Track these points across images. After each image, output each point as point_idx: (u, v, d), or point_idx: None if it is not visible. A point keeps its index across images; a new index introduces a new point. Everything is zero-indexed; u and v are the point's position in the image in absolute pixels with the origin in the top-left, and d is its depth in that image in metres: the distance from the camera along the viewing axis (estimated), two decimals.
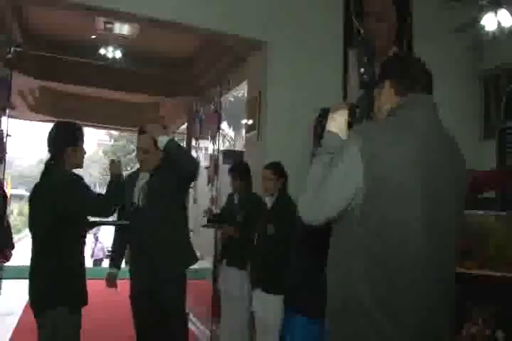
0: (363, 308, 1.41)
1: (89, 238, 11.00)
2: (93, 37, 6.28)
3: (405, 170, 1.43)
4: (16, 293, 5.92)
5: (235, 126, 7.90)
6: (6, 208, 3.68)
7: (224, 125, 6.50)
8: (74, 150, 2.43)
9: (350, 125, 1.63)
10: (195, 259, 2.95)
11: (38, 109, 8.54)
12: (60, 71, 6.92)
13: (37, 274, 2.35)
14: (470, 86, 5.21)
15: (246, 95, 5.16)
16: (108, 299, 4.33)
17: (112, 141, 24.43)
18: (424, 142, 1.49)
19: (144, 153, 2.82)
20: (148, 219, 2.74)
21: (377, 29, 4.87)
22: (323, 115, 1.68)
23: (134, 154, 19.92)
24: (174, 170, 2.66)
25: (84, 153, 2.54)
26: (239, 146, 6.81)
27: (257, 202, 3.77)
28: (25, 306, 5.83)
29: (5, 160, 3.99)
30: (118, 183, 2.55)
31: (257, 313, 3.38)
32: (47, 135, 2.46)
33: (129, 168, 19.66)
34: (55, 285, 2.30)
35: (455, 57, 5.05)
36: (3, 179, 4.01)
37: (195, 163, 2.71)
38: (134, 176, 2.95)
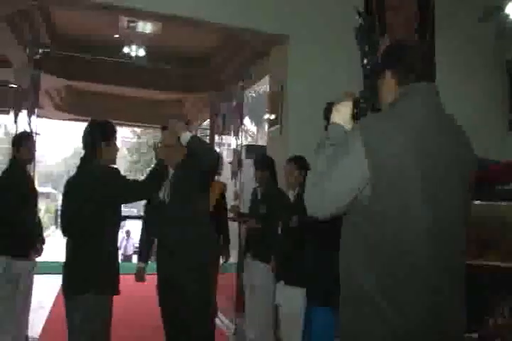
0: (369, 297, 1.43)
1: (121, 233, 11.16)
2: (116, 36, 6.40)
3: (404, 159, 1.43)
4: (46, 287, 6.12)
5: (257, 121, 7.95)
6: (37, 205, 3.82)
7: (246, 120, 6.57)
8: (107, 145, 2.54)
9: (355, 117, 1.62)
10: (225, 254, 2.99)
11: (63, 108, 8.75)
12: (85, 70, 7.08)
13: (74, 259, 2.46)
14: (496, 77, 5.13)
15: (267, 90, 5.18)
16: (137, 293, 4.44)
17: (136, 138, 24.72)
18: (422, 131, 1.48)
19: (167, 149, 2.90)
20: (173, 213, 2.82)
21: (396, 19, 4.84)
22: (329, 108, 1.68)
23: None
24: (196, 164, 2.72)
25: (117, 149, 2.64)
26: (261, 141, 6.86)
27: (280, 195, 3.79)
28: (56, 299, 6.03)
29: (34, 158, 4.12)
30: (160, 168, 2.69)
31: (281, 305, 3.42)
32: (81, 133, 2.58)
33: (152, 165, 19.82)
34: (92, 270, 2.40)
35: (480, 47, 4.97)
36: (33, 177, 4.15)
37: (215, 156, 2.75)
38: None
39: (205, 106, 8.02)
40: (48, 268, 6.62)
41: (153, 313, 3.19)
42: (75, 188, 2.51)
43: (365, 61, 3.79)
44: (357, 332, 1.47)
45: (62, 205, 2.59)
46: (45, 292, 6.07)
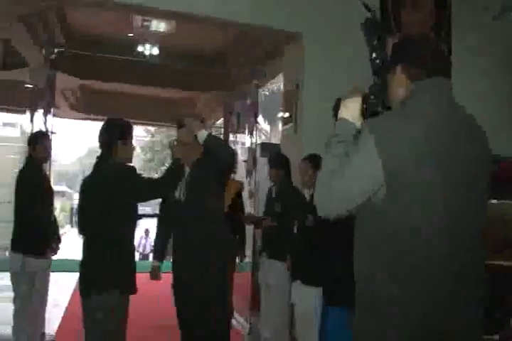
0: (383, 298, 1.41)
1: (139, 232, 11.20)
2: (130, 35, 6.43)
3: (418, 158, 1.39)
4: (62, 285, 6.18)
5: (270, 119, 7.93)
6: (53, 203, 3.85)
7: (259, 119, 6.54)
8: (123, 143, 2.55)
9: (364, 113, 1.56)
10: (238, 252, 3.00)
11: (78, 107, 8.84)
12: (99, 70, 7.12)
13: (91, 258, 2.46)
14: (510, 76, 5.04)
15: (281, 88, 5.16)
16: (152, 292, 4.45)
17: (150, 136, 24.85)
18: (434, 129, 1.43)
19: (184, 147, 2.88)
20: (189, 212, 2.81)
21: (412, 17, 4.78)
22: (338, 104, 1.62)
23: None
24: (212, 162, 2.71)
25: (134, 148, 2.65)
26: (274, 140, 6.84)
27: (295, 193, 3.77)
28: (71, 297, 6.08)
29: (50, 157, 4.15)
30: (176, 166, 2.67)
31: (297, 305, 3.40)
32: (97, 132, 2.59)
33: (166, 164, 19.93)
34: (110, 269, 2.41)
35: (495, 46, 4.90)
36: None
37: (231, 154, 2.75)
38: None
39: (218, 105, 8.02)
40: (64, 266, 6.68)
41: (167, 312, 3.20)
42: (91, 187, 2.52)
43: (374, 55, 3.71)
44: (368, 333, 1.46)
45: (79, 204, 2.60)
46: (61, 290, 6.12)
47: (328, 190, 1.44)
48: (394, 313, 1.40)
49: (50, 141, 3.87)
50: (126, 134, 2.58)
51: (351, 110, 1.57)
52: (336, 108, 1.64)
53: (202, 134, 2.67)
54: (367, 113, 1.57)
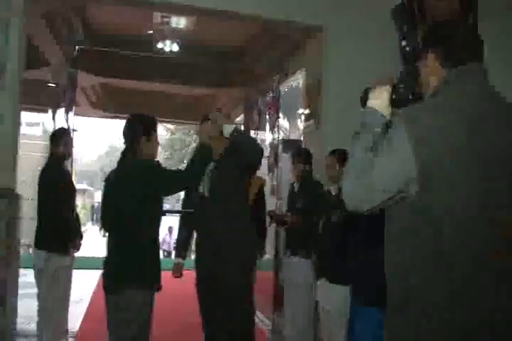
0: (417, 298, 1.36)
1: (163, 229, 11.28)
2: (150, 32, 6.43)
3: (452, 149, 1.33)
4: (83, 282, 6.22)
5: (289, 116, 7.90)
6: (75, 201, 3.86)
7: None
8: (147, 140, 2.51)
9: (394, 103, 1.50)
10: (259, 248, 2.97)
11: (99, 105, 8.87)
12: (120, 67, 7.13)
13: (117, 254, 2.44)
14: None
15: (301, 84, 5.13)
16: (175, 291, 4.45)
17: (169, 134, 24.97)
18: (469, 118, 1.36)
19: (209, 140, 2.78)
20: (212, 208, 2.77)
21: (436, 6, 4.67)
22: (366, 94, 1.55)
23: (191, 147, 20.32)
24: (238, 158, 2.67)
25: (158, 144, 2.62)
26: (293, 136, 6.81)
27: (318, 188, 3.75)
28: (93, 295, 6.13)
29: (72, 154, 4.17)
30: (203, 152, 2.56)
31: (322, 304, 3.35)
32: (122, 127, 2.56)
33: (185, 161, 20.00)
34: (136, 265, 2.38)
35: None
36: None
37: (259, 150, 2.70)
38: None
39: (238, 101, 7.99)
40: (84, 263, 6.73)
41: (189, 311, 3.17)
42: (115, 183, 2.49)
43: (404, 43, 3.56)
44: (401, 334, 1.41)
45: (103, 200, 2.58)
46: (83, 287, 6.17)
47: (358, 182, 1.37)
48: (428, 313, 1.35)
49: (71, 138, 3.88)
50: (151, 130, 2.55)
51: (380, 99, 1.50)
52: (365, 98, 1.57)
53: (228, 128, 2.64)
54: (397, 103, 1.51)
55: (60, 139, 3.68)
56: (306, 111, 4.68)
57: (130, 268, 2.38)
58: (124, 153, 2.54)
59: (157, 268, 2.46)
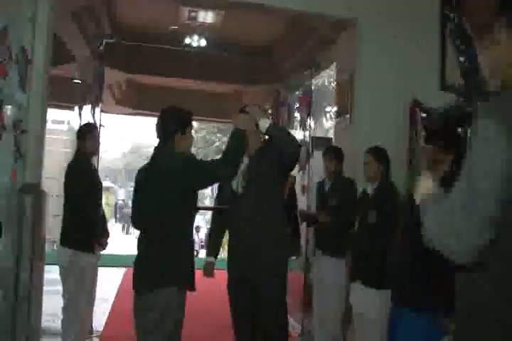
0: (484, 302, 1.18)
1: None
2: (177, 27, 6.36)
3: None
4: (107, 280, 6.20)
5: (314, 114, 7.80)
6: (101, 198, 3.81)
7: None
8: (183, 134, 2.43)
9: None
10: (296, 249, 2.89)
11: (124, 102, 8.81)
12: (146, 63, 7.06)
13: (152, 252, 2.35)
14: None
15: (328, 80, 5.03)
16: (205, 289, 4.37)
17: (193, 132, 24.97)
18: None
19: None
20: (248, 207, 2.67)
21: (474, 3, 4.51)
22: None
23: (215, 145, 20.29)
24: (276, 154, 2.57)
25: (193, 139, 2.53)
26: (319, 134, 6.70)
27: (350, 186, 3.70)
28: (118, 292, 6.10)
29: (99, 151, 4.10)
30: (237, 138, 2.42)
31: (356, 308, 3.24)
32: (156, 121, 2.47)
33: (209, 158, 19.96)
34: (173, 263, 2.30)
35: None
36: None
37: (298, 146, 2.62)
38: None
39: (266, 98, 7.88)
40: (107, 261, 6.69)
41: (219, 312, 3.08)
42: (150, 180, 2.39)
43: (462, 58, 3.47)
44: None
45: (135, 196, 2.49)
46: (107, 285, 6.14)
47: (465, 212, 1.08)
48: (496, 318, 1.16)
49: (99, 133, 3.81)
50: (186, 124, 2.46)
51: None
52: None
53: (264, 123, 2.55)
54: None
55: (88, 134, 3.61)
56: (339, 107, 4.58)
57: (166, 268, 2.30)
58: (157, 148, 2.45)
59: (192, 268, 2.38)
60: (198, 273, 2.69)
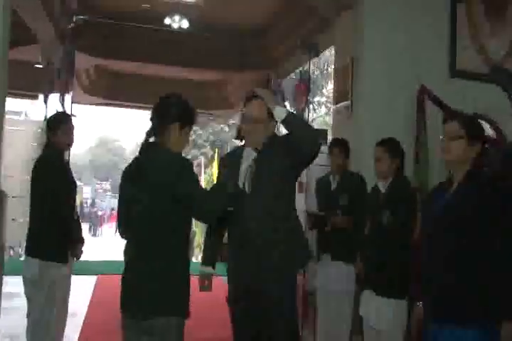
0: None
1: None
2: (146, 5, 6.07)
3: None
4: (76, 291, 5.91)
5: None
6: (75, 199, 3.53)
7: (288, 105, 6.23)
8: (180, 130, 2.21)
9: None
10: (309, 256, 2.71)
11: (92, 91, 8.54)
12: (118, 47, 6.81)
13: (140, 270, 2.14)
14: None
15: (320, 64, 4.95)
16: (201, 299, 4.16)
17: (192, 134, 24.70)
18: None
19: (254, 123, 2.51)
20: (256, 207, 2.48)
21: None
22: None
23: (191, 138, 19.95)
24: (291, 148, 2.40)
25: (189, 138, 2.33)
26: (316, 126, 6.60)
27: (362, 182, 3.62)
28: (90, 305, 5.81)
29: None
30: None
31: (368, 319, 3.11)
32: (153, 108, 2.25)
33: (183, 155, 19.63)
34: (171, 288, 2.11)
35: None
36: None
37: (318, 141, 2.46)
38: (237, 154, 2.67)
39: (254, 86, 7.71)
40: (76, 269, 6.41)
41: (214, 323, 2.86)
42: (140, 178, 2.15)
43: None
44: None
45: (121, 199, 2.26)
46: (75, 297, 5.84)
47: None
48: None
49: (73, 124, 3.53)
50: (187, 118, 2.24)
51: None
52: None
53: (280, 111, 2.37)
54: None
55: (62, 125, 3.34)
56: (339, 92, 4.57)
57: (165, 293, 2.09)
58: (147, 144, 2.22)
59: (189, 290, 2.17)
60: (193, 281, 2.43)
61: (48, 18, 5.25)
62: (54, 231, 3.19)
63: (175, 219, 2.11)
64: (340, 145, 3.77)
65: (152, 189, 2.09)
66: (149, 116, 2.24)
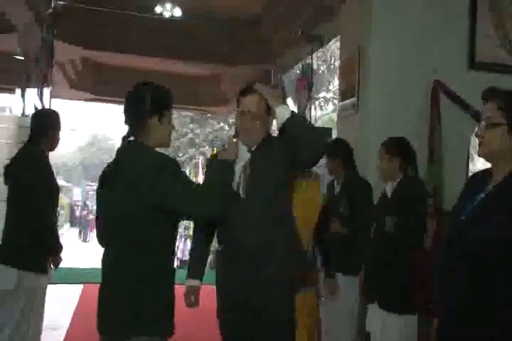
0: None
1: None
2: None
3: None
4: (59, 302, 5.87)
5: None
6: (57, 204, 3.53)
7: (289, 102, 6.21)
8: (159, 120, 2.15)
9: None
10: (308, 264, 2.67)
11: (79, 85, 8.58)
12: (106, 37, 6.81)
13: (121, 283, 2.07)
14: None
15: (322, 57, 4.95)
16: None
17: (173, 118, 24.77)
18: None
19: (252, 119, 2.47)
20: (251, 212, 2.44)
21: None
22: None
23: (188, 136, 20.01)
24: (290, 154, 2.36)
25: (172, 127, 2.26)
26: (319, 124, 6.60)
27: (364, 186, 3.63)
28: (73, 318, 5.76)
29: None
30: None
31: (374, 336, 3.12)
32: (124, 101, 2.19)
33: (180, 154, 19.71)
34: (152, 304, 2.04)
35: None
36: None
37: (322, 147, 2.44)
38: None
39: (251, 81, 7.70)
40: (60, 277, 6.38)
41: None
42: (117, 180, 2.09)
43: None
44: None
45: (99, 206, 2.22)
46: (57, 308, 5.81)
47: None
48: None
49: (60, 122, 3.49)
50: (165, 107, 2.18)
51: None
52: None
53: (283, 110, 2.35)
54: None
55: (45, 122, 3.34)
56: (344, 88, 4.53)
57: (145, 310, 2.03)
58: (126, 139, 2.16)
59: (172, 307, 2.11)
60: (179, 290, 2.36)
61: (24, 1, 5.18)
62: (34, 238, 3.19)
63: (155, 225, 2.05)
64: (334, 149, 3.71)
65: (128, 192, 2.04)
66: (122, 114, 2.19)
